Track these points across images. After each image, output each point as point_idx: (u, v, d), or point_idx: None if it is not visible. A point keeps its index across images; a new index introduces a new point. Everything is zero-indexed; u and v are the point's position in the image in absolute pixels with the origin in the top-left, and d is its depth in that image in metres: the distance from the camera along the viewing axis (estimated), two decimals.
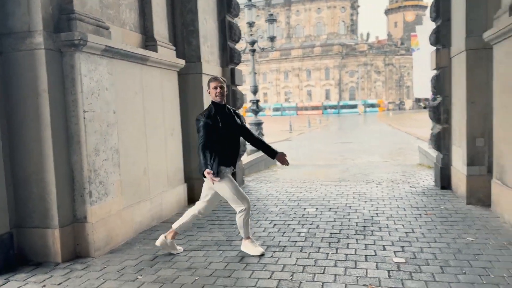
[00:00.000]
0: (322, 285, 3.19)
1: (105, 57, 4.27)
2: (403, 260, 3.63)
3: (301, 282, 3.26)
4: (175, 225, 4.00)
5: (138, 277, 3.48)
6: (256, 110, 13.13)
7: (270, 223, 5.05)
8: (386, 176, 8.31)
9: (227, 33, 7.20)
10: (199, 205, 3.97)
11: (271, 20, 12.63)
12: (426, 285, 3.11)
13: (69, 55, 3.91)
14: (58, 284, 3.38)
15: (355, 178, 8.13)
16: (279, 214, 5.45)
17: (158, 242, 3.97)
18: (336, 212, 5.42)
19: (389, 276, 3.30)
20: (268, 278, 3.36)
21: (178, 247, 4.06)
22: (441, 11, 6.50)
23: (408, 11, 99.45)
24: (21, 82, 3.79)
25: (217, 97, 3.80)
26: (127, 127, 4.72)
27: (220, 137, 3.69)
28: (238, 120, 3.91)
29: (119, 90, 4.54)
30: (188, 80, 6.26)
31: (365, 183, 7.47)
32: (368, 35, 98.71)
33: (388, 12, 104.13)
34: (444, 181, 6.58)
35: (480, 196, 5.47)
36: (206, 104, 6.34)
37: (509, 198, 4.62)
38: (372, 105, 78.57)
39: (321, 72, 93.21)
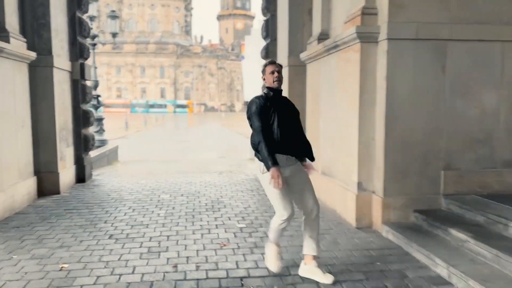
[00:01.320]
0: (185, 247, 4.01)
1: None
2: (244, 225, 4.72)
3: (167, 247, 4.01)
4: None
5: (13, 256, 3.69)
6: (97, 106, 12.98)
7: (129, 208, 5.58)
8: (225, 168, 9.55)
9: (77, 29, 7.29)
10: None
11: (113, 16, 12.68)
12: (261, 240, 4.22)
13: None
14: None
15: (199, 170, 9.12)
16: (135, 201, 6.00)
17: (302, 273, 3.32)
18: (188, 196, 6.28)
19: (235, 236, 4.33)
20: (139, 247, 4.01)
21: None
22: (270, 32, 8.00)
23: (238, 20, 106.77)
24: None
25: (275, 82, 3.24)
26: None
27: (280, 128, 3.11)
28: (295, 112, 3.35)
29: None
30: (38, 73, 6.21)
31: (208, 174, 8.51)
32: (202, 38, 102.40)
33: (220, 18, 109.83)
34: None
35: None
36: (58, 96, 6.46)
37: (319, 180, 6.23)
38: (182, 106, 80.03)
39: (156, 69, 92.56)
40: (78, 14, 7.33)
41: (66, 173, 6.83)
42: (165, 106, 78.43)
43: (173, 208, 5.57)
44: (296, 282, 3.21)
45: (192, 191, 6.70)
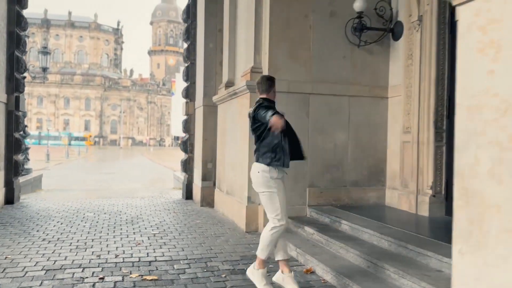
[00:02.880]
0: (107, 245, 5.07)
1: None
2: (157, 232, 5.88)
3: (92, 245, 5.05)
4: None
5: None
6: (23, 135, 13.33)
7: (57, 222, 6.46)
8: (148, 194, 10.56)
9: (15, 66, 8.16)
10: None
11: (45, 52, 13.42)
12: (169, 240, 5.41)
13: None
14: None
15: (122, 196, 10.04)
16: (63, 217, 6.87)
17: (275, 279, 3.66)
18: (110, 214, 7.26)
19: (149, 238, 5.48)
20: (69, 245, 4.99)
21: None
22: (190, 76, 9.44)
23: (169, 56, 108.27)
24: None
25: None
26: None
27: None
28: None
29: None
30: None
31: (131, 198, 9.48)
32: (132, 71, 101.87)
33: (151, 53, 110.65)
34: (188, 193, 9.32)
35: (209, 200, 8.33)
36: (1, 123, 7.23)
37: (221, 198, 7.58)
38: (79, 138, 74.09)
39: (81, 101, 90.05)
40: (17, 53, 8.23)
41: None
42: (59, 138, 67.36)
43: (97, 222, 6.56)
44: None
45: (114, 210, 7.69)
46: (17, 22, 8.26)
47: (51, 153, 33.98)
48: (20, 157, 8.64)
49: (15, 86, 8.19)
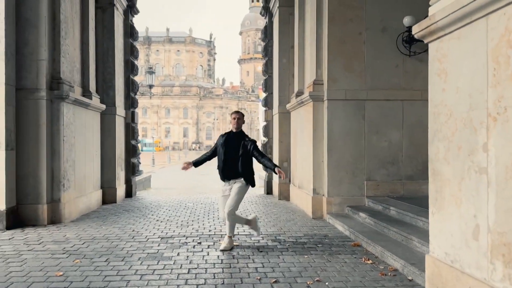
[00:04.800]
0: (203, 224, 6.60)
1: (72, 104, 7.11)
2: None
3: (192, 224, 6.61)
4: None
5: (102, 226, 6.37)
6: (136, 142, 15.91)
7: (166, 209, 8.23)
8: None
9: (130, 87, 10.30)
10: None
11: (151, 72, 15.92)
12: (264, 227, 6.76)
13: (56, 103, 6.68)
14: (41, 235, 6.06)
15: (215, 192, 11.77)
16: (169, 206, 8.67)
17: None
18: (205, 204, 8.91)
19: None
20: (175, 224, 6.61)
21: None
22: (268, 88, 10.83)
23: (258, 63, 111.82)
24: (31, 118, 6.42)
25: (234, 126, 5.24)
26: (86, 147, 7.50)
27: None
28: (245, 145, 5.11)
29: (76, 124, 7.35)
30: (106, 119, 9.11)
31: None
32: (223, 80, 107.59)
33: (241, 61, 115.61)
34: (269, 189, 10.70)
35: (285, 195, 9.61)
36: (117, 135, 9.32)
37: (294, 191, 8.80)
38: (150, 145, 74.93)
39: (179, 110, 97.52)
40: (131, 76, 10.36)
41: (120, 189, 9.59)
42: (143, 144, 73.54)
43: (195, 209, 8.21)
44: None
45: (208, 202, 9.35)
46: (130, 52, 10.40)
47: (155, 159, 38.10)
48: (136, 160, 10.77)
49: (131, 103, 10.32)
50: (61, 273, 4.00)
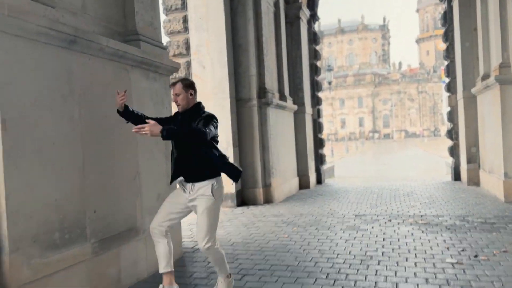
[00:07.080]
0: (390, 206, 7.37)
1: (275, 108, 8.76)
2: (427, 201, 7.76)
3: (380, 206, 7.45)
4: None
5: (304, 205, 7.79)
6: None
7: (353, 194, 9.24)
8: (420, 178, 12.37)
9: (315, 87, 11.65)
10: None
11: (329, 69, 17.15)
12: (437, 205, 7.20)
13: (264, 108, 8.40)
14: (262, 211, 7.73)
15: (398, 180, 12.23)
16: (356, 192, 9.65)
17: None
18: (390, 190, 9.59)
19: (420, 204, 7.46)
20: (365, 205, 7.56)
21: None
22: (450, 72, 10.72)
23: (439, 40, 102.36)
24: (247, 121, 8.27)
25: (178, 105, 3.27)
26: (285, 142, 9.17)
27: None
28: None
29: (278, 123, 8.99)
30: (297, 117, 10.65)
31: (405, 181, 11.58)
32: (400, 64, 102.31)
33: (419, 41, 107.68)
34: (456, 175, 10.62)
35: (475, 181, 9.47)
36: (307, 130, 10.76)
37: (485, 177, 8.68)
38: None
39: (354, 100, 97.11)
40: (315, 78, 11.71)
41: (312, 176, 11.05)
42: None
43: (381, 194, 8.99)
44: None
45: (393, 188, 9.98)
46: (314, 56, 11.74)
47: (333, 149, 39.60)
48: (322, 151, 12.11)
49: (316, 101, 11.68)
50: (286, 235, 5.44)
